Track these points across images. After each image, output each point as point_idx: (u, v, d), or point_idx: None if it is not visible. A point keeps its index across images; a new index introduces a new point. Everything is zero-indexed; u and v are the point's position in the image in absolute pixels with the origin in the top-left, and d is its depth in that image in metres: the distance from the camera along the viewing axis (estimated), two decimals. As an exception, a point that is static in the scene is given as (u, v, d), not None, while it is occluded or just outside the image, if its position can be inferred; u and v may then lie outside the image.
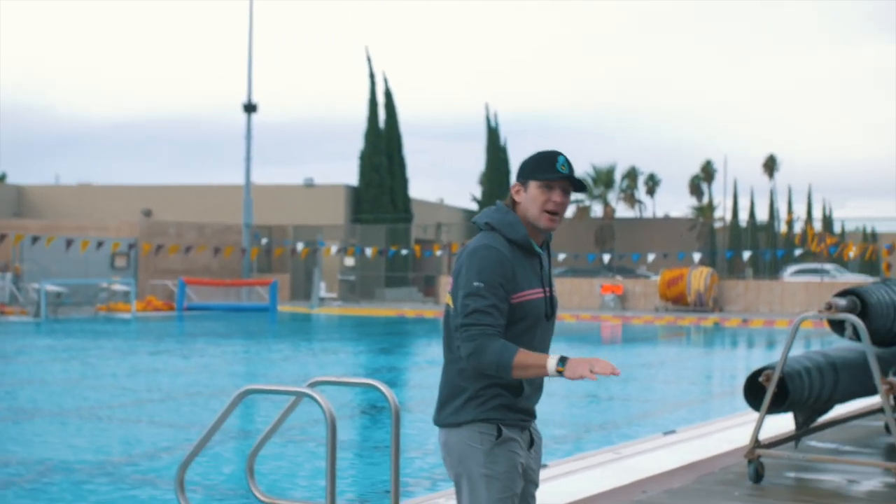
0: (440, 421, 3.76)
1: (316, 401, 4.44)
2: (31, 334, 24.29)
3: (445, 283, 40.66)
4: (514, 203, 3.74)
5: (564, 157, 3.72)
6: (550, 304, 3.75)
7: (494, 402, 3.64)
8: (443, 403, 3.75)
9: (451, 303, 3.70)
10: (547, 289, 3.74)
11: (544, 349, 3.75)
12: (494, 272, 3.56)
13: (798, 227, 48.65)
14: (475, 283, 3.56)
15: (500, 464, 3.63)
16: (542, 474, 7.62)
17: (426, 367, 18.04)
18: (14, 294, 34.02)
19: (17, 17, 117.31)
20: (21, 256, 34.31)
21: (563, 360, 3.47)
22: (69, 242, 32.84)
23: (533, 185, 3.68)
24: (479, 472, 3.63)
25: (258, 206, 44.39)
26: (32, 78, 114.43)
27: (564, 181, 3.69)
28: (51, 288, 30.61)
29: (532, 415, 3.78)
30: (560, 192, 3.69)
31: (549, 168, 3.68)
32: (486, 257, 3.59)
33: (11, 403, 12.76)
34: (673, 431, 10.01)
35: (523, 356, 3.51)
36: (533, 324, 3.67)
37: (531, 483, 3.82)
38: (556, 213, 3.69)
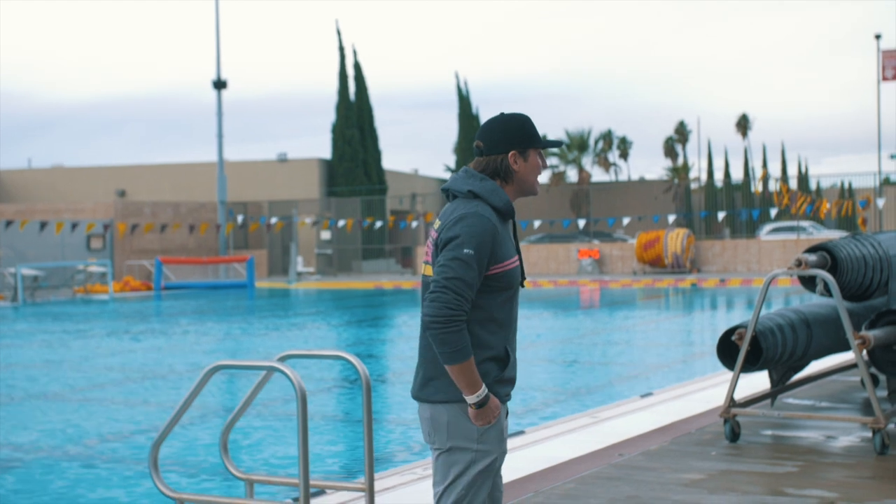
0: (426, 396, 3.67)
1: (286, 375, 4.41)
2: (8, 319, 24.13)
3: (422, 254, 40.60)
4: (507, 171, 3.67)
5: None
6: (522, 271, 3.74)
7: (486, 379, 3.61)
8: (428, 378, 3.67)
9: (429, 272, 3.62)
10: (518, 255, 3.72)
11: (516, 316, 3.74)
12: (485, 244, 3.51)
13: (773, 186, 48.80)
14: (465, 250, 3.49)
15: (493, 438, 3.64)
16: (520, 440, 7.67)
17: (404, 339, 18.04)
18: (-11, 279, 33.82)
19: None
20: (-5, 241, 34.05)
21: (483, 403, 3.53)
22: (44, 225, 32.62)
23: (532, 154, 3.67)
24: (474, 447, 3.62)
25: (232, 182, 44.18)
26: (2, 62, 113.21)
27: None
28: (27, 272, 30.40)
29: (512, 389, 3.77)
30: (543, 160, 3.77)
31: (538, 135, 3.72)
32: (479, 226, 3.52)
33: (-13, 389, 12.68)
34: (650, 394, 10.05)
35: (469, 368, 3.49)
36: (514, 293, 3.66)
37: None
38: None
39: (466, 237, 3.50)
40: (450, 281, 3.46)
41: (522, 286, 3.76)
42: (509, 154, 3.66)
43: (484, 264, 3.52)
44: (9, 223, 33.50)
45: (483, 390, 3.51)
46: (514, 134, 3.66)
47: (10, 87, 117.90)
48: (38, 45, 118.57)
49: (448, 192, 3.72)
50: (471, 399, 3.51)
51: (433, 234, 3.68)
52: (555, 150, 63.00)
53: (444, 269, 3.49)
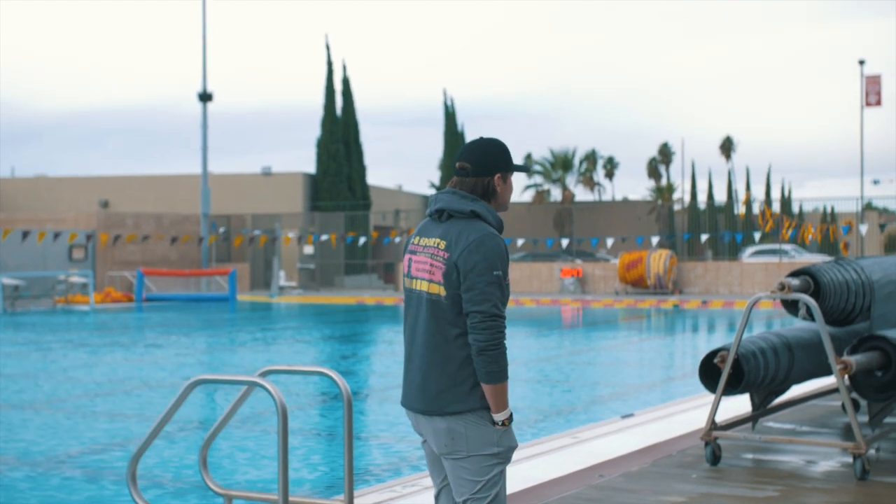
0: (439, 408, 3.86)
1: (267, 390, 4.39)
2: (-14, 328, 23.94)
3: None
4: (493, 192, 3.92)
5: None
6: None
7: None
8: (439, 391, 3.85)
9: (435, 290, 3.83)
10: None
11: None
12: (507, 262, 3.80)
13: (757, 209, 49.01)
14: (495, 272, 3.76)
15: (508, 437, 3.89)
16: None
17: (385, 356, 17.99)
18: (-31, 288, 33.58)
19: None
20: (-25, 250, 33.83)
21: (510, 419, 3.84)
22: (25, 234, 32.44)
23: (509, 176, 3.95)
24: (495, 451, 3.85)
25: (216, 195, 44.06)
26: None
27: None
28: (8, 281, 30.22)
29: None
30: None
31: (513, 160, 3.99)
32: (500, 247, 3.81)
33: (-36, 399, 12.56)
34: (631, 415, 10.03)
35: (506, 388, 3.82)
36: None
37: None
38: None
39: (494, 259, 3.76)
40: (495, 307, 3.75)
41: None
42: (495, 176, 3.90)
43: (508, 277, 3.81)
44: (-10, 232, 33.31)
45: (507, 412, 3.82)
46: (500, 158, 3.91)
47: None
48: (22, 55, 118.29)
49: (443, 212, 3.89)
50: (502, 416, 3.81)
51: (440, 252, 3.83)
52: (538, 168, 63.27)
53: (487, 295, 3.74)
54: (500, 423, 3.81)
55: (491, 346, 3.72)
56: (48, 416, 11.36)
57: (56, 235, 33.68)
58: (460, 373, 3.82)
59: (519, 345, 19.78)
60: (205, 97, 39.59)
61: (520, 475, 7.06)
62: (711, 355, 7.64)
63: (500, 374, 3.75)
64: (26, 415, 11.40)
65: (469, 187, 3.90)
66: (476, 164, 3.90)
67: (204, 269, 38.52)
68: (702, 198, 67.76)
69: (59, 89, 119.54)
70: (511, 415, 3.84)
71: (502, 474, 3.90)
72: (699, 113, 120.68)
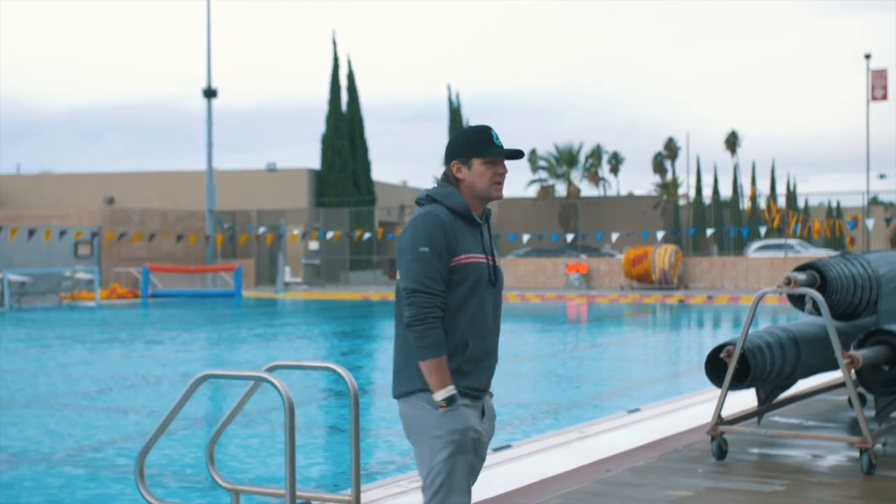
0: (395, 393, 3.95)
1: (273, 385, 4.39)
2: (-8, 324, 24.00)
3: (411, 266, 40.49)
4: (456, 181, 3.92)
5: (495, 130, 3.93)
6: (494, 272, 3.91)
7: (452, 368, 3.80)
8: (396, 374, 3.95)
9: (397, 277, 3.88)
10: (490, 257, 3.91)
11: (489, 317, 3.90)
12: (437, 237, 3.75)
13: (762, 204, 48.99)
14: (420, 249, 3.74)
15: (453, 420, 3.75)
16: (507, 454, 7.64)
17: (391, 350, 17.98)
18: (-24, 285, 33.65)
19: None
20: (-18, 246, 33.91)
21: (452, 399, 3.70)
22: (31, 232, 32.48)
23: (477, 163, 3.87)
24: (434, 435, 3.76)
25: (221, 191, 44.07)
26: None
27: (504, 154, 3.92)
28: (14, 278, 30.27)
29: (480, 388, 3.89)
30: (502, 163, 3.93)
31: (490, 145, 3.88)
32: (428, 224, 3.77)
33: (-29, 395, 12.60)
34: (637, 410, 10.03)
35: (440, 365, 3.72)
36: (475, 285, 3.82)
37: (478, 456, 3.94)
38: (500, 183, 3.92)
39: (418, 236, 3.75)
40: (416, 282, 3.73)
41: (493, 285, 3.91)
42: (451, 164, 3.92)
43: (444, 257, 3.75)
44: (-2, 228, 33.38)
45: (451, 389, 3.71)
46: (458, 145, 3.91)
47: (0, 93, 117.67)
48: (27, 52, 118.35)
49: (418, 203, 3.98)
50: (439, 395, 3.71)
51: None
52: (543, 164, 63.15)
53: (409, 272, 3.75)
54: (440, 405, 3.72)
55: (414, 321, 3.72)
56: (54, 412, 11.39)
57: (62, 233, 33.71)
58: (407, 355, 3.87)
59: (525, 339, 19.78)
60: (209, 93, 39.60)
61: (526, 470, 7.07)
62: (717, 350, 7.63)
63: (426, 349, 3.71)
64: (32, 411, 11.43)
65: (443, 175, 4.00)
66: (444, 153, 3.99)
67: (209, 266, 38.56)
68: (707, 192, 67.80)
69: (64, 86, 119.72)
70: (453, 396, 3.72)
71: (452, 462, 3.76)
72: (704, 108, 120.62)
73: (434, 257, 3.73)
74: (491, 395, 3.99)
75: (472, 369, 3.83)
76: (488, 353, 3.91)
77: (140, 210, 40.28)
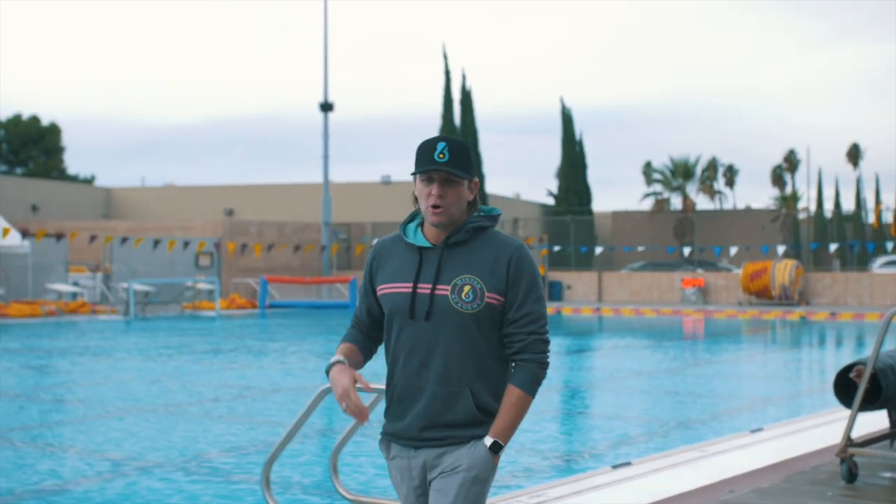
0: None
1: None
2: (120, 332, 24.77)
3: (524, 279, 40.41)
4: (415, 199, 3.41)
5: (447, 142, 3.26)
6: (430, 303, 3.24)
7: (385, 409, 3.44)
8: None
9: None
10: (426, 285, 3.25)
11: (417, 355, 3.29)
12: (367, 265, 3.48)
13: (889, 217, 47.52)
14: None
15: (394, 479, 3.42)
16: (626, 472, 7.54)
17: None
18: (104, 293, 34.78)
19: (104, 33, 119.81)
20: (111, 257, 35.05)
21: (333, 365, 3.32)
22: (157, 243, 33.45)
23: (416, 179, 3.32)
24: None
25: (337, 204, 44.72)
26: (119, 86, 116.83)
27: (443, 171, 3.23)
28: (139, 287, 31.20)
29: (408, 437, 3.30)
30: (438, 184, 3.24)
31: (426, 159, 3.25)
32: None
33: (102, 400, 13.00)
34: (760, 429, 9.81)
35: (340, 346, 3.45)
36: (396, 321, 3.31)
37: None
38: (437, 207, 3.25)
39: None
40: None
41: (427, 318, 3.26)
42: (414, 178, 3.37)
43: (367, 286, 3.46)
44: (124, 240, 34.45)
45: (336, 358, 3.35)
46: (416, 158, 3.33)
47: (125, 108, 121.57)
48: (151, 69, 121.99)
49: None
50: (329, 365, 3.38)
51: None
52: (658, 177, 62.33)
53: None
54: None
55: None
56: (176, 418, 11.66)
57: (186, 244, 34.65)
58: None
59: (640, 355, 19.55)
60: (326, 107, 40.26)
61: (647, 488, 6.97)
62: (847, 369, 7.42)
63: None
64: (156, 417, 11.72)
65: None
66: None
67: (325, 277, 39.13)
68: (828, 206, 66.06)
69: (186, 101, 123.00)
70: (333, 364, 3.36)
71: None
72: (824, 120, 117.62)
73: (361, 285, 3.50)
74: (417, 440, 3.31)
75: (397, 411, 3.34)
76: (415, 395, 3.29)
77: (258, 222, 41.12)
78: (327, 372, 3.33)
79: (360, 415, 3.23)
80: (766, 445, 8.75)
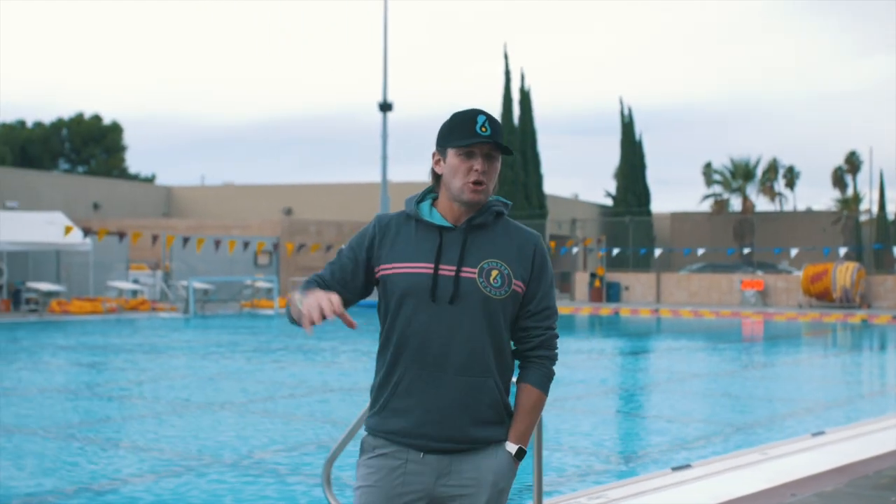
0: None
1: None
2: (180, 329, 25.11)
3: (581, 279, 40.36)
4: (435, 177, 3.13)
5: (486, 116, 3.04)
6: (455, 285, 2.98)
7: (377, 404, 3.12)
8: None
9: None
10: (450, 267, 3.00)
11: (434, 342, 3.00)
12: (362, 238, 3.14)
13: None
14: (343, 248, 3.18)
15: (362, 475, 3.08)
16: (687, 474, 7.50)
17: (558, 365, 17.91)
18: (164, 291, 35.26)
19: (166, 34, 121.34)
20: (171, 255, 35.54)
21: (302, 292, 3.02)
22: (217, 243, 33.87)
23: (451, 154, 3.03)
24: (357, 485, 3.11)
25: (395, 203, 44.86)
26: (180, 86, 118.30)
27: (487, 145, 3.02)
28: (198, 285, 31.59)
29: (420, 434, 3.01)
30: (482, 159, 3.02)
31: (467, 131, 3.00)
32: (365, 227, 3.18)
33: (164, 397, 13.19)
34: (822, 432, 9.70)
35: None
36: (407, 304, 3.04)
37: None
38: (480, 183, 3.02)
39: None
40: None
41: (451, 302, 3.00)
42: (433, 155, 3.14)
43: (356, 257, 3.11)
44: (185, 240, 34.94)
45: (303, 293, 3.03)
46: (440, 131, 3.10)
47: (186, 108, 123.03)
48: (211, 70, 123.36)
49: None
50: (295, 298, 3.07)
51: None
52: (717, 178, 61.77)
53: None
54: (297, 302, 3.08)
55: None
56: (242, 416, 11.80)
57: (246, 244, 35.05)
58: None
59: (698, 358, 19.40)
60: (385, 107, 40.42)
61: (708, 490, 6.94)
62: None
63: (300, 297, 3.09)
64: (220, 413, 11.87)
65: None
66: None
67: (382, 276, 39.26)
68: (891, 208, 65.06)
69: (245, 101, 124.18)
70: (304, 298, 3.05)
71: None
72: (886, 121, 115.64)
73: (343, 254, 3.15)
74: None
75: (399, 405, 3.03)
76: (428, 386, 3.00)
77: (316, 221, 41.42)
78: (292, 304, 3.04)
79: (347, 319, 3.00)
80: (827, 449, 8.66)
